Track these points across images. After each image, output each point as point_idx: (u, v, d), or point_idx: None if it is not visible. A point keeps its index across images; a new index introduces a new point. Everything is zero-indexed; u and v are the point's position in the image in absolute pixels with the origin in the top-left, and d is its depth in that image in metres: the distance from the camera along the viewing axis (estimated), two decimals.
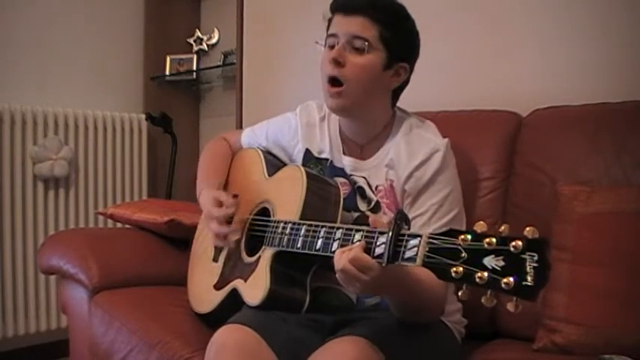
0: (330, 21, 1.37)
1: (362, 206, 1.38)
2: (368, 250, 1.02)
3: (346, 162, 1.41)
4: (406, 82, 1.40)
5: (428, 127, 1.39)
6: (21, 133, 2.43)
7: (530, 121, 1.67)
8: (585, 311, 1.31)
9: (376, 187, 1.37)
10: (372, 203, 1.37)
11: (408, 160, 1.32)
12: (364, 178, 1.39)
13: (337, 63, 1.30)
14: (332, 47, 1.32)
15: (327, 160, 1.44)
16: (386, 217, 1.34)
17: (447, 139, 1.35)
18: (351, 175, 1.40)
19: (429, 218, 1.29)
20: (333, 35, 1.33)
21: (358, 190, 1.39)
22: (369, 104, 1.35)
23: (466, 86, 1.98)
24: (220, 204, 1.38)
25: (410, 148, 1.34)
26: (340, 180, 1.40)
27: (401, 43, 1.33)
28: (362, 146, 1.42)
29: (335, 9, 1.35)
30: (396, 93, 1.41)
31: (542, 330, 1.36)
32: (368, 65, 1.30)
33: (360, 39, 1.29)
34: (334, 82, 1.32)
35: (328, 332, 1.23)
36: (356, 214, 1.37)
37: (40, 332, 2.49)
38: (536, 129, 1.64)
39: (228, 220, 1.38)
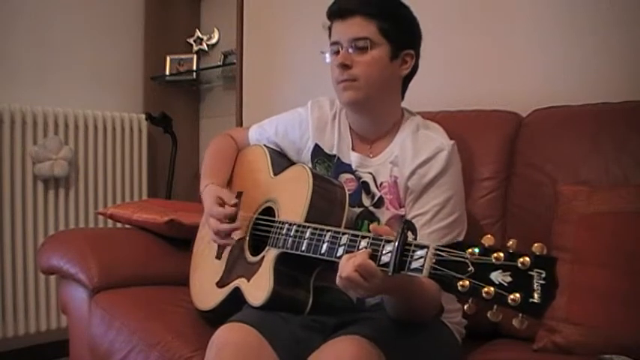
0: (330, 29, 1.40)
1: (366, 202, 1.38)
2: (374, 257, 1.01)
3: (353, 158, 1.42)
4: (415, 68, 1.42)
5: (435, 129, 1.41)
6: (21, 133, 2.43)
7: (530, 121, 1.67)
8: (585, 311, 1.31)
9: (381, 183, 1.38)
10: (376, 198, 1.38)
11: (413, 157, 1.34)
12: (370, 174, 1.39)
13: (345, 66, 1.33)
14: (337, 53, 1.36)
15: (334, 156, 1.45)
16: (388, 212, 1.35)
17: (453, 141, 1.36)
18: (356, 170, 1.41)
19: (430, 218, 1.29)
20: (336, 43, 1.37)
21: (363, 186, 1.39)
22: (382, 96, 1.37)
23: (466, 86, 1.98)
24: (222, 202, 1.39)
25: (415, 146, 1.35)
26: (347, 176, 1.41)
27: (401, 32, 1.36)
28: (371, 143, 1.43)
29: (331, 16, 1.39)
30: (406, 81, 1.43)
31: (542, 330, 1.36)
32: (374, 61, 1.33)
33: (361, 39, 1.32)
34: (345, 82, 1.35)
35: (330, 333, 1.22)
36: (359, 209, 1.38)
37: (40, 332, 2.49)
38: (536, 129, 1.64)
39: (232, 218, 1.38)
